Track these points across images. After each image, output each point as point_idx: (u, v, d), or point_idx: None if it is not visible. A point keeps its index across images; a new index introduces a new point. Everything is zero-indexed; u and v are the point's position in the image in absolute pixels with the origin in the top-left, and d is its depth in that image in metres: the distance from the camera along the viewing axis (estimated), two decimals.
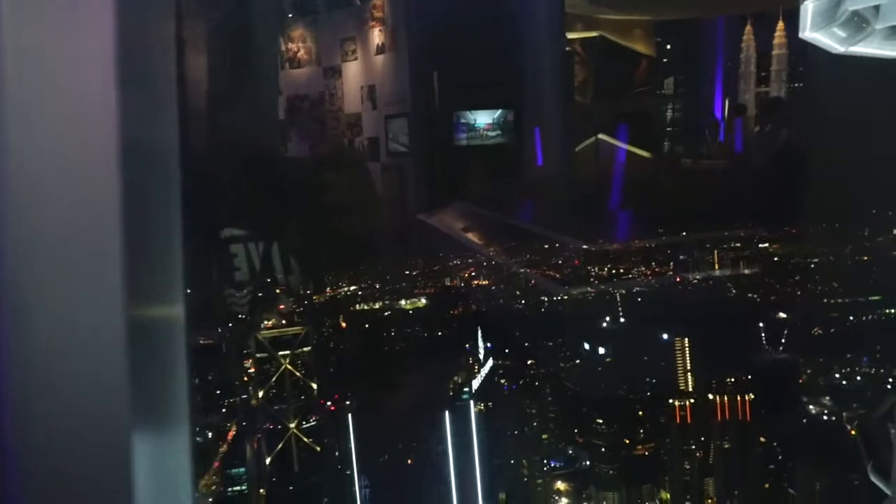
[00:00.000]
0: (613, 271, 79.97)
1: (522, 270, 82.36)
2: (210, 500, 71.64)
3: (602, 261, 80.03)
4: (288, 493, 70.65)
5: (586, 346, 79.09)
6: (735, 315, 68.53)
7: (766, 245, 69.14)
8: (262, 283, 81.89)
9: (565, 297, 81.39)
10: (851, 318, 63.16)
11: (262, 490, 71.30)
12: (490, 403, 74.98)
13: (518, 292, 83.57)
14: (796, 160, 55.98)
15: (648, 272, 78.04)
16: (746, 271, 71.51)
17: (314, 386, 76.25)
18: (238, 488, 70.86)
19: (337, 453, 71.04)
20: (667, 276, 75.26)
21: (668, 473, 72.51)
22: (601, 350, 78.69)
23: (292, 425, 74.28)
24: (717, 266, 72.81)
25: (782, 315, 67.75)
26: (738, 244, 69.99)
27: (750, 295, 68.89)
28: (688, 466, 70.63)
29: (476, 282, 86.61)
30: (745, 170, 67.80)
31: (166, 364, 2.60)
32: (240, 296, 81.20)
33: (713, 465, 68.77)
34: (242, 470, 71.97)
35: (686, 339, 70.90)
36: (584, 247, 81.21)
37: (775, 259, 69.35)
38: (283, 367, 75.92)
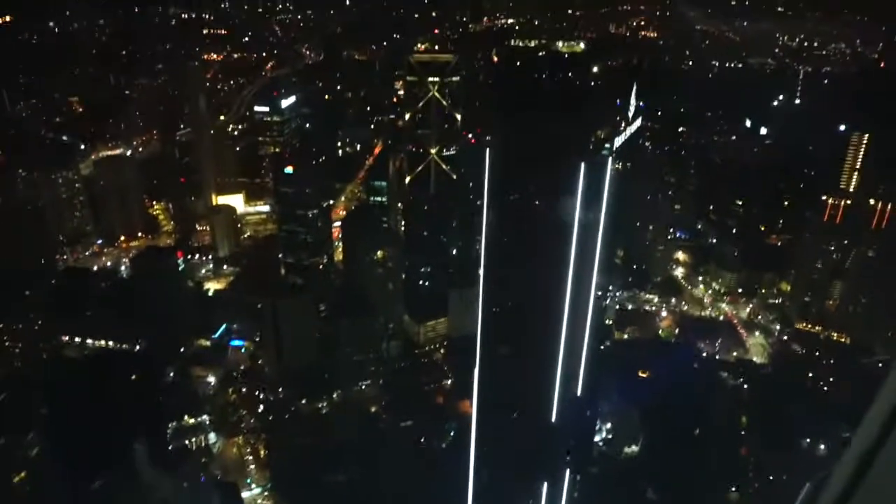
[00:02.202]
0: (805, 43, 69.24)
1: (699, 27, 73.48)
2: (354, 204, 79.78)
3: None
4: (423, 210, 76.84)
5: (748, 123, 72.43)
6: None
7: None
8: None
9: (739, 66, 72.62)
10: None
11: (399, 204, 78.04)
12: (629, 163, 73.25)
13: (688, 51, 75.70)
14: None
15: (847, 47, 66.91)
16: None
17: (458, 116, 77.75)
18: (379, 199, 78.22)
19: (471, 184, 74.79)
20: (866, 59, 64.35)
21: (796, 267, 69.96)
22: (763, 130, 71.86)
23: (433, 151, 77.92)
24: None
25: None
26: None
27: None
28: (819, 265, 67.48)
29: (643, 32, 79.03)
30: None
31: None
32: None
33: (848, 270, 65.37)
34: (384, 184, 78.47)
35: (866, 134, 62.71)
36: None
37: None
38: (430, 93, 77.27)
